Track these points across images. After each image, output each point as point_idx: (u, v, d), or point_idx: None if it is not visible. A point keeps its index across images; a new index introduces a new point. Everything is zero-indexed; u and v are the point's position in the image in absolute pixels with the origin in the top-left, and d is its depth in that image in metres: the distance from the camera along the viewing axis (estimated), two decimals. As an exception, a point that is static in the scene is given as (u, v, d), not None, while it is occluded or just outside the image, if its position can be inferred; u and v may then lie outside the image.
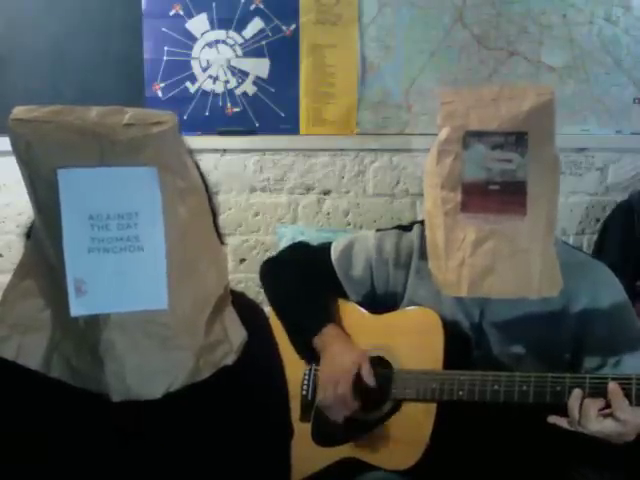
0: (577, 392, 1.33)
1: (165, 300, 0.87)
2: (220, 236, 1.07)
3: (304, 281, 1.65)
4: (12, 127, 0.84)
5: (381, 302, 1.61)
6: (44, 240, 0.88)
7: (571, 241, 2.34)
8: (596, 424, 1.31)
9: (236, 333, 0.97)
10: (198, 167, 1.01)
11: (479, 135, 1.32)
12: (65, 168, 0.83)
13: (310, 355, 1.62)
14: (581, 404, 1.33)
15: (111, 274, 0.85)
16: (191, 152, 0.99)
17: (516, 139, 1.30)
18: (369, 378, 1.52)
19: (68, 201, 0.84)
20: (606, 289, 1.48)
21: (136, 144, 0.84)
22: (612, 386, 1.31)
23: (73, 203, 0.84)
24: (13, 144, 0.85)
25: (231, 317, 0.98)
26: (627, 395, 1.31)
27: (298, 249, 1.77)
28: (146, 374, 0.88)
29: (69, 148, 0.83)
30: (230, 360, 0.95)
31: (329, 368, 1.55)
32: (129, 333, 0.86)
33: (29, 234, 0.95)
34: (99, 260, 0.85)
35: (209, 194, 1.02)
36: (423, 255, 1.47)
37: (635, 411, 1.30)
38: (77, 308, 0.86)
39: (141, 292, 0.86)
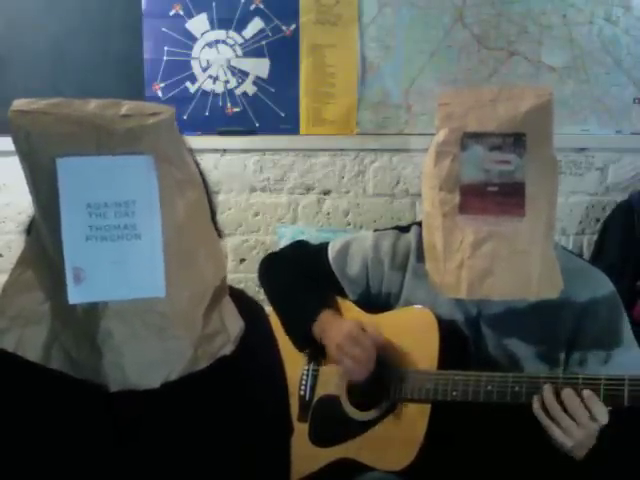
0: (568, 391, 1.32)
1: (163, 288, 0.88)
2: (218, 231, 1.07)
3: (302, 276, 1.66)
4: (12, 118, 0.86)
5: (375, 302, 1.62)
6: (43, 232, 0.89)
7: (571, 241, 2.34)
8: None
9: (233, 323, 0.98)
10: (198, 165, 1.02)
11: (477, 136, 1.31)
12: (64, 157, 0.84)
13: (309, 346, 1.61)
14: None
15: (109, 262, 0.86)
16: (191, 150, 0.99)
17: (514, 140, 1.30)
18: (374, 331, 1.51)
19: (67, 190, 0.85)
20: (601, 292, 1.48)
21: (133, 134, 0.85)
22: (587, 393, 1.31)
23: (71, 191, 0.85)
24: (13, 135, 0.86)
25: (228, 307, 0.99)
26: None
27: (298, 247, 1.78)
28: (144, 364, 0.88)
29: (68, 138, 0.85)
30: (228, 350, 0.96)
31: (336, 335, 1.53)
32: (127, 322, 0.87)
33: (29, 230, 0.96)
34: (97, 248, 0.86)
35: (208, 193, 1.03)
36: (420, 256, 1.47)
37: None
38: (75, 296, 0.86)
39: (138, 280, 0.87)
